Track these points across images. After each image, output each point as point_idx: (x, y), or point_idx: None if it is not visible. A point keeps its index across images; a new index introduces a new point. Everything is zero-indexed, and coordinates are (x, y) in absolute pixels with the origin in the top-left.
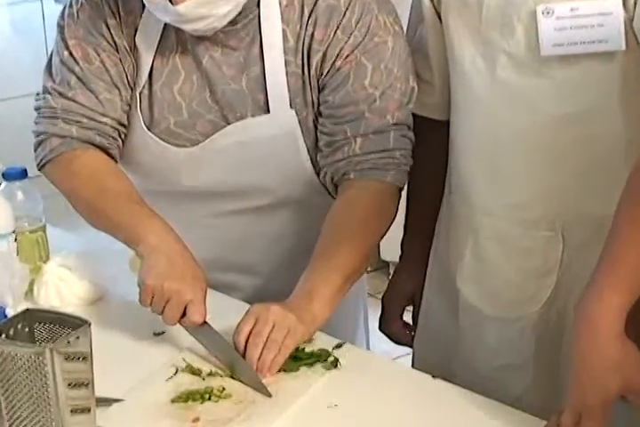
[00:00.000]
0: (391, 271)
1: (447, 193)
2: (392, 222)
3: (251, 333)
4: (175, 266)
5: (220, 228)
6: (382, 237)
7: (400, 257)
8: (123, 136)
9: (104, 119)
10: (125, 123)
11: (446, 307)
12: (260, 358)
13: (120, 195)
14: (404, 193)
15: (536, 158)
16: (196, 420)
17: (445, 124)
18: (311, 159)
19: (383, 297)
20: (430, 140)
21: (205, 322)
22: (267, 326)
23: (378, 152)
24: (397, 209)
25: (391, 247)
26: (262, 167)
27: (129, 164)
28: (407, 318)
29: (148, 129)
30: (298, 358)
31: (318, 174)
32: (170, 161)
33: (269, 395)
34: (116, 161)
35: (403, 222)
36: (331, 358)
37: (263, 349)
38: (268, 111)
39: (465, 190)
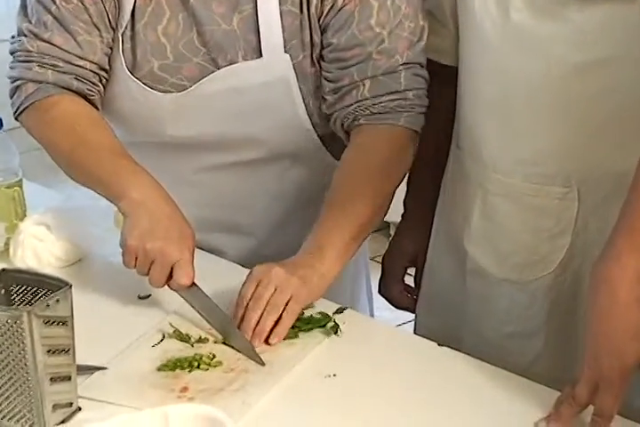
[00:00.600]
0: (392, 233)
1: (454, 147)
2: (408, 169)
3: (251, 297)
4: (160, 224)
5: (209, 184)
6: (399, 185)
7: (402, 215)
8: (104, 82)
9: (82, 62)
10: (106, 67)
11: (452, 269)
12: (258, 323)
13: (102, 147)
14: None
15: (551, 110)
16: (185, 389)
17: (457, 71)
18: (306, 108)
19: (383, 258)
20: (439, 88)
21: (194, 284)
22: (267, 289)
23: (388, 94)
24: (414, 154)
25: (393, 207)
26: (254, 116)
27: (110, 112)
28: (409, 280)
29: (131, 73)
30: (295, 325)
31: (314, 126)
32: (154, 108)
33: (262, 363)
34: (98, 109)
35: (405, 178)
36: (330, 324)
37: (263, 313)
38: (262, 55)
39: (473, 144)
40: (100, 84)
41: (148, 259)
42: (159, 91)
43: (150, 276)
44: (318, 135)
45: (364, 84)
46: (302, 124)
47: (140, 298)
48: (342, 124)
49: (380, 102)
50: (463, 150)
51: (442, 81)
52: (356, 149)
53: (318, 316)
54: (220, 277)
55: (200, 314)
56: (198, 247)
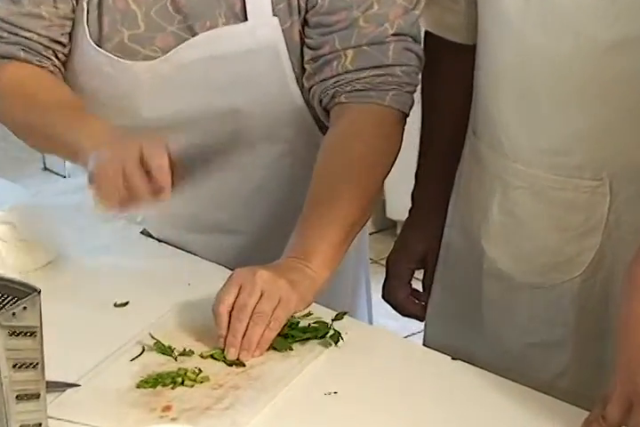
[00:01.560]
0: (398, 233)
1: (470, 134)
2: (396, 158)
3: (234, 305)
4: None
5: None
6: (386, 177)
7: (410, 211)
8: (60, 56)
9: (29, 34)
10: (61, 40)
11: (467, 272)
12: (244, 335)
13: (54, 104)
14: (415, 132)
15: (580, 93)
16: (167, 409)
17: (472, 50)
18: (297, 82)
19: (388, 259)
20: (451, 68)
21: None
22: (253, 295)
23: (373, 68)
24: (402, 140)
25: (399, 203)
26: (237, 90)
27: (74, 93)
28: (417, 285)
29: (98, 46)
30: (290, 335)
31: (308, 103)
32: (126, 83)
33: None
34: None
35: (413, 171)
36: (330, 332)
37: (249, 323)
38: (247, 19)
39: (492, 131)
40: (54, 59)
41: (117, 167)
42: None
43: (128, 183)
44: (313, 116)
45: (346, 55)
46: (293, 100)
47: (116, 306)
48: (321, 101)
49: (364, 77)
50: (480, 138)
51: (454, 61)
52: (336, 134)
53: (316, 325)
54: (209, 281)
55: None
56: (178, 247)
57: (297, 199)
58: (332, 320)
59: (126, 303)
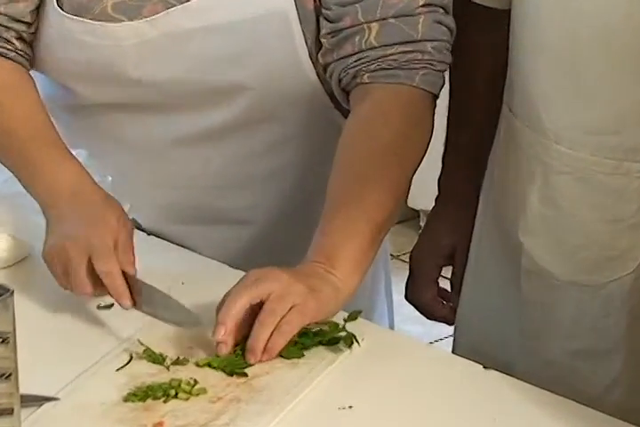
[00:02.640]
0: (422, 224)
1: (505, 111)
2: (427, 146)
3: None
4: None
5: (184, 159)
6: (417, 168)
7: (436, 200)
8: (26, 36)
9: None
10: (25, 18)
11: (502, 269)
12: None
13: (12, 128)
14: (442, 110)
15: (635, 62)
16: (159, 425)
17: (506, 17)
18: (310, 54)
19: (412, 254)
20: (483, 39)
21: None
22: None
23: (401, 44)
24: (433, 126)
25: (423, 190)
26: (239, 64)
27: (51, 70)
28: (445, 284)
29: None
30: (298, 341)
31: (320, 77)
32: (109, 52)
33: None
34: (27, 69)
35: (440, 154)
36: (342, 334)
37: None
38: None
39: (531, 108)
40: (16, 41)
41: (62, 258)
42: (113, 39)
43: (71, 280)
44: (329, 94)
45: (369, 29)
46: (305, 76)
47: (100, 308)
48: (340, 81)
49: (390, 54)
50: (517, 116)
51: (485, 28)
52: (358, 120)
53: (328, 329)
54: (199, 278)
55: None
56: (171, 241)
57: (309, 186)
58: (345, 321)
59: (111, 305)
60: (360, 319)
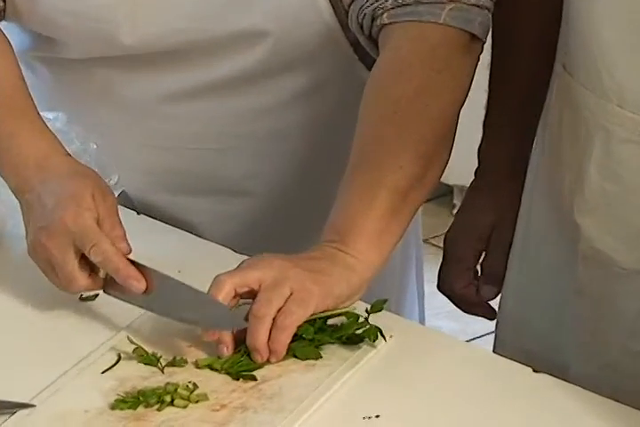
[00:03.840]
0: (456, 202)
1: (559, 70)
2: (465, 97)
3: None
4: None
5: (184, 118)
6: (452, 126)
7: (476, 172)
8: None
9: None
10: None
11: (554, 254)
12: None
13: None
14: (483, 69)
15: None
16: None
17: None
18: None
19: (447, 237)
20: None
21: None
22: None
23: None
24: (473, 73)
25: (457, 162)
26: (250, 7)
27: (34, 22)
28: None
29: None
30: (317, 340)
31: (340, 20)
32: (96, 2)
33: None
34: None
35: (479, 118)
36: (365, 328)
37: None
38: None
39: (589, 66)
40: None
41: (46, 251)
42: None
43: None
44: (350, 41)
45: None
46: (323, 19)
47: (82, 300)
48: (361, 26)
49: None
50: (573, 74)
51: None
52: (379, 70)
53: (349, 323)
54: (198, 265)
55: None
56: (164, 215)
57: (323, 152)
58: (368, 313)
59: (95, 296)
60: (387, 313)
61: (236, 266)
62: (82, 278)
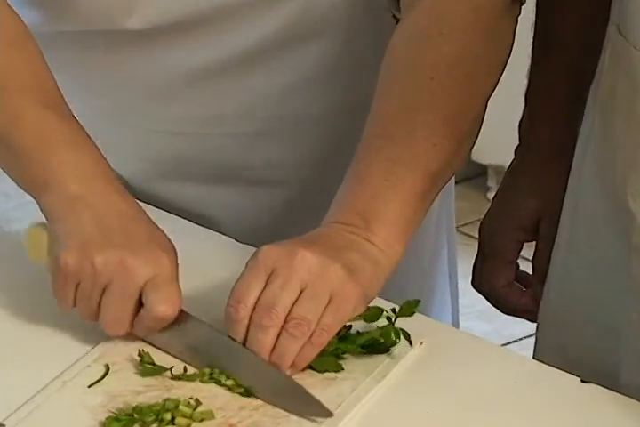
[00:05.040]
0: (491, 185)
1: (613, 34)
2: (504, 67)
3: (257, 304)
4: (114, 225)
5: (199, 98)
6: (488, 98)
7: (516, 151)
8: None
9: None
10: None
11: (606, 246)
12: (274, 350)
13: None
14: (525, 33)
15: None
16: None
17: None
18: None
19: (482, 226)
20: None
21: (184, 312)
22: (287, 290)
23: None
24: (513, 40)
25: (493, 139)
26: None
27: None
28: (525, 267)
29: None
30: (338, 348)
31: None
32: None
33: (329, 414)
34: None
35: (518, 90)
36: (390, 333)
37: (280, 334)
38: None
39: None
40: None
41: (99, 282)
42: None
43: (104, 311)
44: None
45: None
46: None
47: None
48: None
49: None
50: (630, 38)
51: None
52: (407, 30)
53: (377, 329)
54: (200, 260)
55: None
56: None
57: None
58: (396, 315)
59: None
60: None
61: (238, 257)
62: (127, 326)
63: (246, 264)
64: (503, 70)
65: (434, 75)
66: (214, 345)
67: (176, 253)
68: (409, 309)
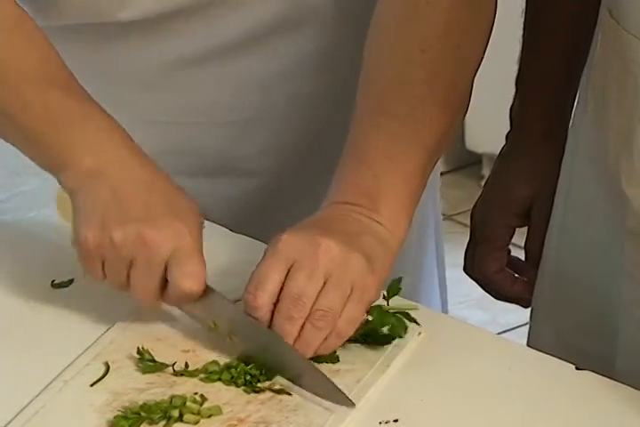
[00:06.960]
0: (485, 173)
1: (605, 17)
2: (488, 41)
3: (281, 294)
4: (134, 198)
5: (188, 87)
6: (478, 68)
7: (507, 137)
8: None
9: None
10: None
11: (599, 231)
12: (298, 338)
13: (24, 75)
14: (516, 14)
15: None
16: None
17: None
18: None
19: (474, 212)
20: None
21: (208, 288)
22: (314, 280)
23: None
24: (495, 12)
25: (486, 126)
26: None
27: None
28: (518, 253)
29: None
30: None
31: None
32: None
33: (352, 404)
34: None
35: (509, 75)
36: (392, 323)
37: (304, 324)
38: None
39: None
40: None
41: (122, 257)
42: None
43: (133, 283)
44: None
45: None
46: None
47: (55, 287)
48: None
49: None
50: (621, 21)
51: None
52: (398, 1)
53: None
54: (215, 251)
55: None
56: None
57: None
58: (387, 298)
59: (70, 282)
60: (404, 299)
61: (230, 246)
62: (157, 294)
63: (264, 252)
64: (488, 41)
65: (425, 47)
66: (240, 325)
67: (198, 219)
68: (395, 287)
